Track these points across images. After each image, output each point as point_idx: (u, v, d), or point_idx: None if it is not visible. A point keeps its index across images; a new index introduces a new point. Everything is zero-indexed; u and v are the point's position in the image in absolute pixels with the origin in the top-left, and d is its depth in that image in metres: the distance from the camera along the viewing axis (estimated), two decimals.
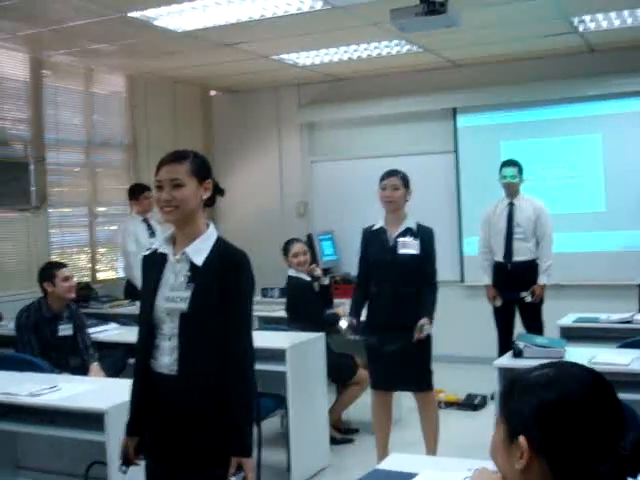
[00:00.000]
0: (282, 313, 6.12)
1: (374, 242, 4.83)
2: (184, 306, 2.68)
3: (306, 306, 5.79)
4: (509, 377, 1.56)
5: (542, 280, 6.49)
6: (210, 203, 2.86)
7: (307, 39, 6.95)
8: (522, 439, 1.44)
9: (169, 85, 8.90)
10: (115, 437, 3.49)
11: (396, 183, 4.74)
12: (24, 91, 7.26)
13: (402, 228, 4.73)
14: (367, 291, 4.88)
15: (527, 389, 1.49)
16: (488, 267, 6.73)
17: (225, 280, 2.70)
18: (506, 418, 1.51)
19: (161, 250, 2.82)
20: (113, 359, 5.61)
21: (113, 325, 6.19)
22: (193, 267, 2.73)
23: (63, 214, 7.77)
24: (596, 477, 1.40)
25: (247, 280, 2.77)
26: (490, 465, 1.64)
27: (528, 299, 6.47)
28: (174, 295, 2.71)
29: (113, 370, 5.43)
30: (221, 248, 2.78)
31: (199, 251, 2.74)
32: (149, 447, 2.83)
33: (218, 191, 2.88)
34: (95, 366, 5.26)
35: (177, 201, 2.70)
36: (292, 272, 5.88)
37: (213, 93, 9.83)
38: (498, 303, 6.67)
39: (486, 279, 6.72)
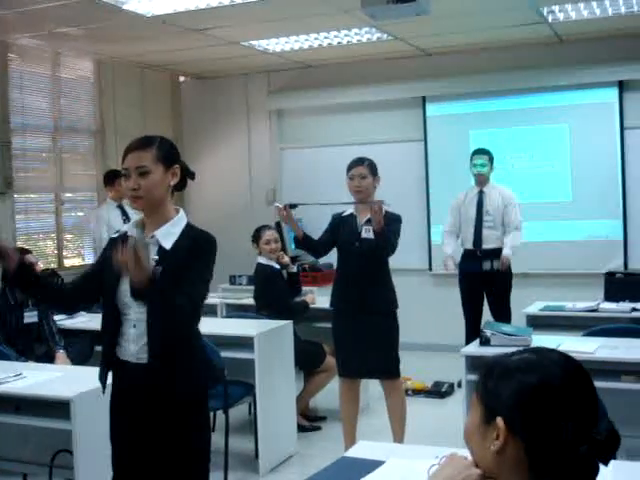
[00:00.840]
0: (250, 300, 6.11)
1: (344, 228, 4.83)
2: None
3: (274, 294, 5.78)
4: (487, 361, 1.58)
5: (506, 252, 6.49)
6: (180, 187, 2.84)
7: (277, 26, 6.90)
8: (500, 420, 1.46)
9: (138, 70, 8.80)
10: (81, 425, 3.48)
11: (363, 172, 4.73)
12: None
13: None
14: (317, 245, 4.92)
15: (507, 372, 1.51)
16: (452, 242, 6.77)
17: (190, 255, 2.68)
18: (484, 400, 1.52)
19: (130, 234, 2.79)
20: (79, 347, 5.56)
21: (79, 312, 6.13)
22: (161, 251, 2.71)
23: (29, 200, 7.67)
24: (572, 459, 1.43)
25: (210, 251, 2.76)
26: (460, 452, 1.65)
27: (496, 266, 6.48)
28: None
29: (79, 358, 5.38)
30: (190, 233, 2.77)
31: (168, 235, 2.73)
32: (115, 438, 2.81)
33: (188, 174, 2.86)
34: (61, 354, 5.22)
35: (143, 189, 2.67)
36: (262, 259, 5.85)
37: (182, 79, 9.74)
38: (451, 266, 6.71)
39: (448, 249, 6.76)
